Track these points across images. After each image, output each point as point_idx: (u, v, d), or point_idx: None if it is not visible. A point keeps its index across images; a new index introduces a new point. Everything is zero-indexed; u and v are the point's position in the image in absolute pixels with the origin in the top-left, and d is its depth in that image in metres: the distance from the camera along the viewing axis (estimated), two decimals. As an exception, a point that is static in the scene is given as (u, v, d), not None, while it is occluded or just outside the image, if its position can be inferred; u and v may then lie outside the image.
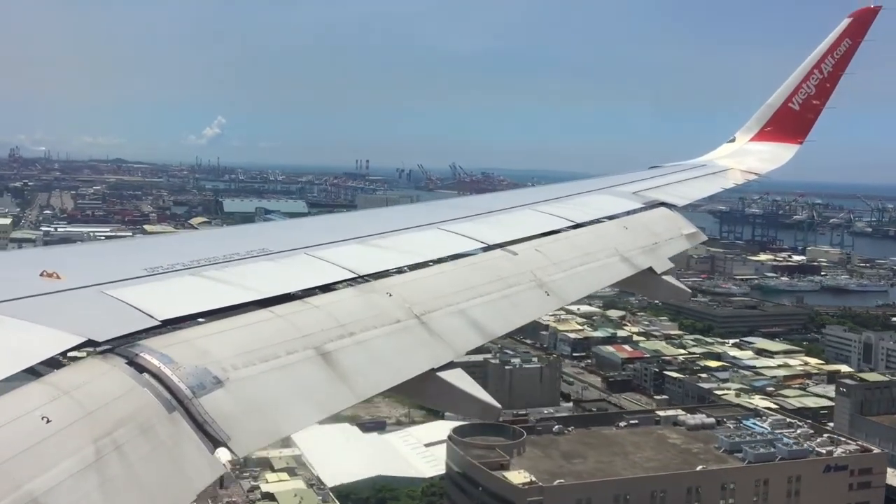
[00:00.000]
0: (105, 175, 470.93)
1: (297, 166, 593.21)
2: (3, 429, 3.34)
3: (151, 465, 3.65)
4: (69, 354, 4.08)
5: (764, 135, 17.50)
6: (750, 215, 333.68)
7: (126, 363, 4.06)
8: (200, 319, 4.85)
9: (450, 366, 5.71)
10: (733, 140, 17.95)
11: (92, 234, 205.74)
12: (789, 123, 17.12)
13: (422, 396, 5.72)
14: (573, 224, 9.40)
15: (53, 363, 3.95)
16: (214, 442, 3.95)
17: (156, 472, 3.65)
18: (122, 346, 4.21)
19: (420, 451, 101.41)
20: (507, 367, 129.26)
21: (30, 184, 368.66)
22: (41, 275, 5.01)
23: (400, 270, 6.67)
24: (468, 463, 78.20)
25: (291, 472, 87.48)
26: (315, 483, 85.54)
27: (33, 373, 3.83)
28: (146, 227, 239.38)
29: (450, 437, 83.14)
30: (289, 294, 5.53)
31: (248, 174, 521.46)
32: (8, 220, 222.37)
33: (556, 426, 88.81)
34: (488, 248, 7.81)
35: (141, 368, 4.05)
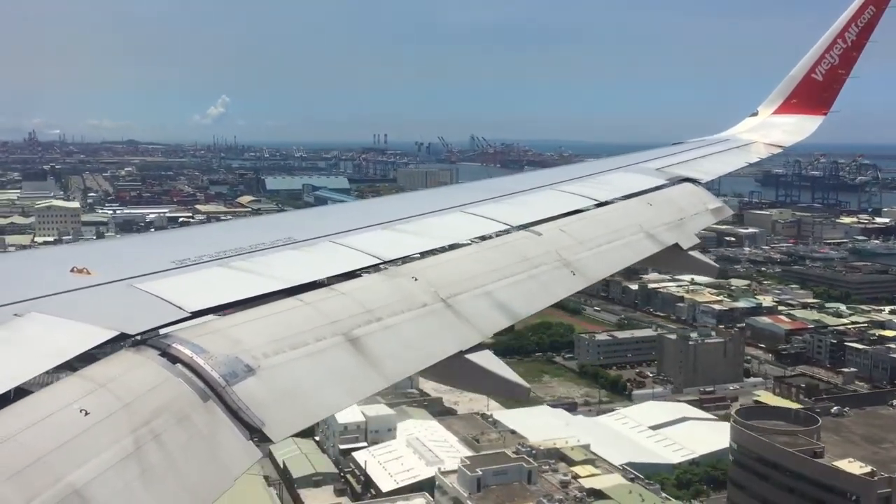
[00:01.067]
0: (125, 156, 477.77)
1: (309, 143, 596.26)
2: (43, 422, 3.41)
3: (189, 453, 3.70)
4: (103, 348, 4.15)
5: (787, 107, 17.25)
6: (809, 178, 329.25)
7: (159, 354, 4.12)
8: (229, 310, 4.91)
9: (478, 347, 5.73)
10: (756, 114, 17.71)
11: (158, 214, 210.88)
12: (813, 95, 16.85)
13: (451, 378, 5.74)
14: (597, 203, 9.35)
15: (88, 357, 4.02)
16: (249, 428, 4.00)
17: (194, 460, 3.70)
18: (155, 338, 4.27)
19: (649, 435, 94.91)
20: (689, 343, 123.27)
21: (57, 167, 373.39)
22: (71, 271, 5.08)
23: (425, 254, 6.69)
24: (777, 450, 70.85)
25: (592, 463, 78.65)
26: (633, 476, 77.00)
27: (69, 367, 3.89)
28: (197, 206, 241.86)
29: (734, 421, 77.52)
30: (315, 282, 5.57)
31: (271, 151, 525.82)
32: (76, 204, 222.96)
33: (835, 407, 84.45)
34: (512, 229, 7.80)
35: (174, 359, 4.11)
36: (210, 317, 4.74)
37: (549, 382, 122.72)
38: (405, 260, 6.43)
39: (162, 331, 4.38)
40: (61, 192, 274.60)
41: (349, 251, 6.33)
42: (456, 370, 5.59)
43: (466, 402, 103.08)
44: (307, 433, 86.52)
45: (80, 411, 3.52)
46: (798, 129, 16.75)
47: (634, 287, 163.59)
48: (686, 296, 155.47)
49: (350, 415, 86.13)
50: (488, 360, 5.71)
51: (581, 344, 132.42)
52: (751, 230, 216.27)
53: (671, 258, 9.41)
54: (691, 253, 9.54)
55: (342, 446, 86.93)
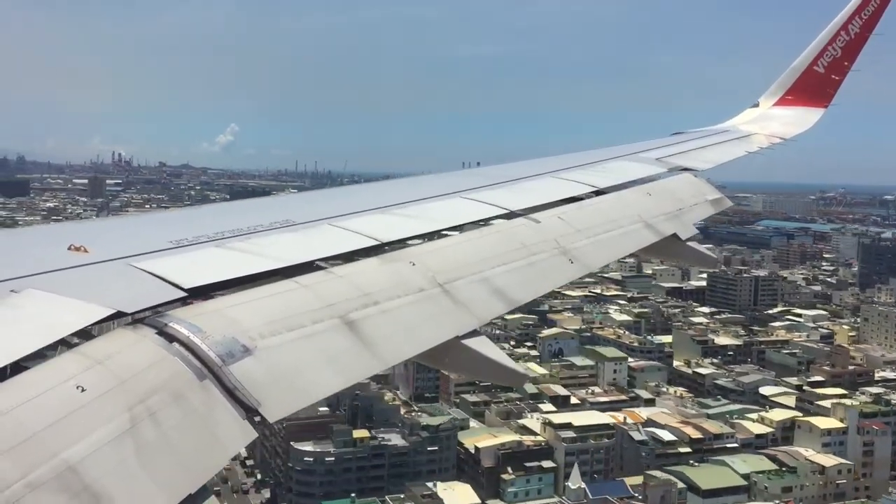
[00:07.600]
0: (215, 180, 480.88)
1: (369, 172, 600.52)
2: (39, 398, 3.41)
3: (185, 432, 3.71)
4: (100, 326, 4.15)
5: (788, 99, 17.21)
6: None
7: (156, 333, 4.11)
8: (226, 289, 4.91)
9: (474, 333, 5.73)
10: (757, 105, 17.66)
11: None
12: (814, 87, 16.80)
13: (447, 364, 5.74)
14: (596, 191, 9.35)
15: (84, 334, 4.01)
16: (245, 408, 4.01)
17: (189, 438, 3.71)
18: (151, 317, 4.27)
19: None
20: None
21: (196, 187, 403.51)
22: (69, 248, 5.07)
23: (423, 239, 6.68)
24: None
25: None
26: None
27: (66, 344, 3.89)
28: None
29: None
30: (313, 264, 5.57)
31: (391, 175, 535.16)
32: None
33: None
34: (511, 215, 7.79)
35: (170, 338, 4.10)
36: (207, 297, 4.74)
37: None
38: (404, 244, 6.43)
39: (159, 310, 4.38)
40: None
41: (348, 234, 6.32)
42: (453, 355, 5.60)
43: None
44: None
45: (77, 388, 3.52)
46: (798, 121, 16.71)
47: None
48: None
49: None
50: (485, 346, 5.72)
51: None
52: None
53: (670, 248, 9.42)
54: (690, 244, 9.55)
55: None
